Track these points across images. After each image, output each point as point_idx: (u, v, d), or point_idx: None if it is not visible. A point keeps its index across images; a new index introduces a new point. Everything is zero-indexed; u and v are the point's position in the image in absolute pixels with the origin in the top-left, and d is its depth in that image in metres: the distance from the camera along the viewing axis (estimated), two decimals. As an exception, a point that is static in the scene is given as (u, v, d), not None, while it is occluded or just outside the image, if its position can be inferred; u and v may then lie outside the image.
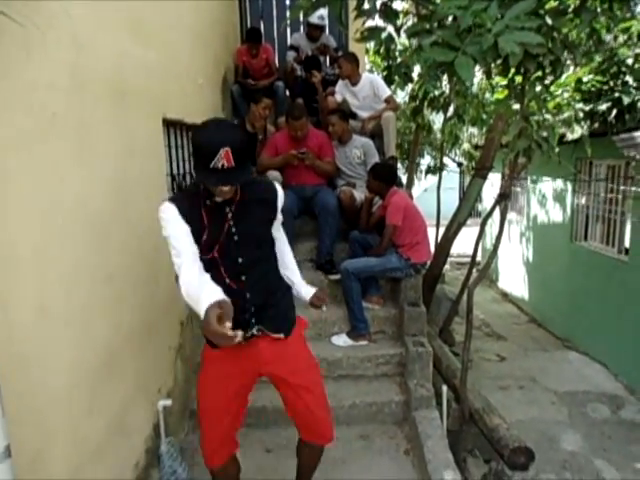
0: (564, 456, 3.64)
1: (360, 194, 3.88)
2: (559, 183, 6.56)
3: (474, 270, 5.35)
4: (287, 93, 5.08)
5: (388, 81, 4.98)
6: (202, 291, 1.49)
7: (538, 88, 2.73)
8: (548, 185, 6.95)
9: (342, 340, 3.41)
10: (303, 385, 1.91)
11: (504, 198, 3.30)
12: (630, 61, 4.64)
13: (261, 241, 1.81)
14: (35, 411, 1.50)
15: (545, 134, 2.73)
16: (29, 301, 1.49)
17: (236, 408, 1.94)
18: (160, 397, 2.53)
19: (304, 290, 2.03)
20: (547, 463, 3.49)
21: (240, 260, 1.74)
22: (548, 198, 7.00)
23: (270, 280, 1.87)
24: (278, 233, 1.92)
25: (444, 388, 3.11)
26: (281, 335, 1.87)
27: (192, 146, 1.59)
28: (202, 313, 1.41)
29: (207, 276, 1.63)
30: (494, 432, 3.09)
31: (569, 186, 6.28)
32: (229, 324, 1.34)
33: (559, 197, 6.63)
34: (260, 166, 3.99)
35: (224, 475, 2.04)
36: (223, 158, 1.48)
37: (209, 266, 1.70)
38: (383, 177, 3.56)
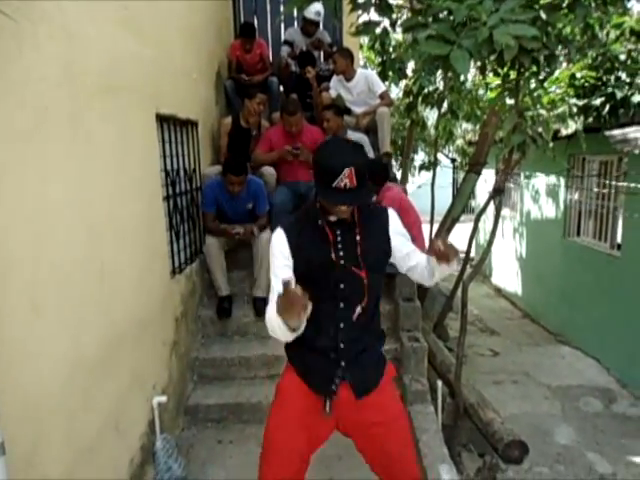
0: (557, 449, 3.67)
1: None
2: (552, 179, 6.59)
3: (468, 266, 5.37)
4: (281, 88, 5.05)
5: (382, 76, 4.97)
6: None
7: (533, 84, 2.73)
8: (541, 181, 6.98)
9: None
10: (400, 427, 1.71)
11: (498, 193, 3.30)
12: (623, 57, 4.66)
13: (381, 270, 1.68)
14: (30, 408, 1.48)
15: (540, 129, 2.73)
16: (22, 299, 1.47)
17: (309, 455, 1.70)
18: (155, 394, 2.52)
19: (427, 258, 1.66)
20: (540, 456, 3.51)
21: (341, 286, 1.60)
22: (541, 194, 7.03)
23: (374, 320, 1.71)
24: (404, 247, 1.69)
25: (439, 383, 3.11)
26: (366, 396, 1.65)
27: (315, 164, 1.53)
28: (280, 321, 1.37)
29: None
30: (489, 426, 3.11)
31: (562, 182, 6.31)
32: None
33: (552, 193, 6.66)
34: (254, 161, 3.97)
35: None
36: (347, 178, 1.45)
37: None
38: (372, 178, 3.55)
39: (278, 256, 1.60)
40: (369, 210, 1.69)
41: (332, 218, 1.59)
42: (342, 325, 1.61)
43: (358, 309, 1.61)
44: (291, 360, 1.74)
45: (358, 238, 1.60)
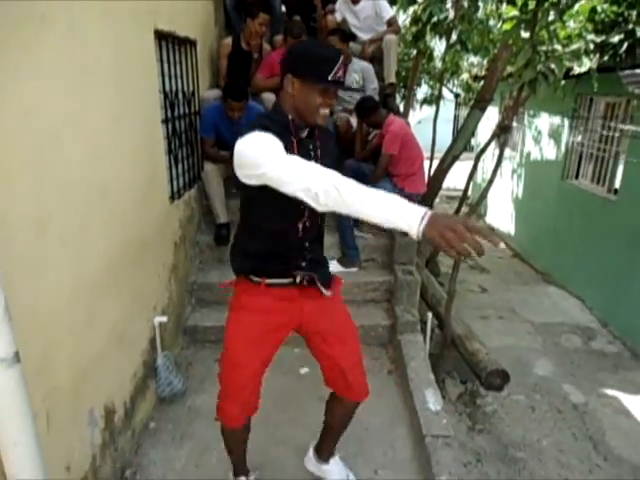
0: (535, 380, 3.89)
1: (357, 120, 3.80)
2: (556, 119, 6.47)
3: (464, 205, 5.39)
4: (284, 9, 4.78)
5: (391, 1, 4.72)
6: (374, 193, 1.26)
7: (551, 16, 2.61)
8: (545, 121, 6.85)
9: (332, 266, 3.44)
10: (341, 337, 1.77)
11: (504, 131, 3.25)
12: (650, -10, 4.41)
13: None
14: (38, 321, 1.54)
15: (552, 66, 2.65)
16: (27, 216, 1.48)
17: (267, 364, 1.77)
18: (156, 314, 2.61)
19: None
20: (519, 386, 3.73)
21: None
22: (543, 134, 6.92)
23: (322, 233, 1.77)
24: None
25: (429, 315, 3.23)
26: (329, 292, 1.72)
27: (306, 56, 1.45)
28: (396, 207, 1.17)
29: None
30: (473, 356, 3.27)
31: (566, 123, 6.20)
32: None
33: (554, 134, 6.56)
34: (255, 87, 3.84)
35: (239, 438, 1.90)
36: (341, 68, 1.44)
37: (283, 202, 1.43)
38: (367, 111, 3.48)
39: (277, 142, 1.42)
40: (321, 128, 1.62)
41: (303, 134, 1.56)
42: (307, 243, 1.66)
43: (300, 228, 1.61)
44: (249, 270, 1.68)
45: (318, 153, 1.60)
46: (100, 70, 1.93)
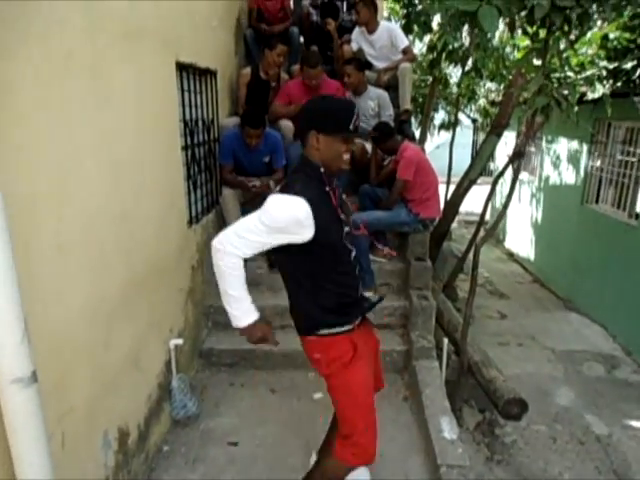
0: (556, 410, 3.78)
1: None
2: (574, 144, 6.44)
3: (482, 228, 5.35)
4: (302, 40, 4.93)
5: (407, 30, 4.82)
6: (244, 289, 1.66)
7: (562, 44, 2.64)
8: (563, 146, 6.82)
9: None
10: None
11: (518, 157, 3.26)
12: (662, 17, 4.43)
13: None
14: (57, 343, 1.58)
15: (566, 92, 2.66)
16: (48, 239, 1.54)
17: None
18: (172, 336, 2.64)
19: None
20: (539, 415, 3.63)
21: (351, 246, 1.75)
22: (562, 159, 6.88)
23: None
24: None
25: (445, 340, 3.20)
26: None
27: (326, 112, 1.61)
28: (248, 318, 1.66)
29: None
30: (490, 384, 3.21)
31: (584, 147, 6.16)
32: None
33: (573, 159, 6.52)
34: (272, 114, 3.94)
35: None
36: (357, 117, 1.59)
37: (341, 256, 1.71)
38: (382, 137, 3.52)
39: (290, 228, 1.52)
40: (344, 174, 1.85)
41: (333, 183, 1.68)
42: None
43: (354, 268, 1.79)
44: (331, 322, 1.72)
45: (344, 197, 1.78)
46: (122, 102, 2.02)
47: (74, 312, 1.69)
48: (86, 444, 1.78)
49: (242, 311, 1.65)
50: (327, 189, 1.64)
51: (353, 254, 1.73)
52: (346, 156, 1.63)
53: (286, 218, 1.51)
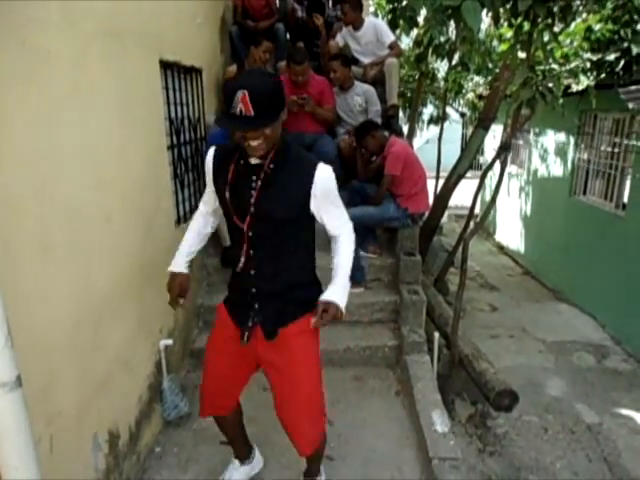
0: (547, 400, 3.82)
1: (360, 143, 3.84)
2: (562, 136, 6.48)
3: (472, 222, 5.38)
4: (288, 36, 4.90)
5: (393, 25, 4.81)
6: (182, 243, 1.81)
7: (546, 36, 2.65)
8: (550, 138, 6.86)
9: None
10: (293, 378, 1.71)
11: (504, 150, 3.28)
12: (644, 7, 4.46)
13: (281, 221, 1.59)
14: (43, 345, 1.57)
15: (550, 84, 2.68)
16: (30, 240, 1.52)
17: (240, 372, 1.86)
18: (161, 337, 2.62)
19: (333, 287, 1.67)
20: (531, 406, 3.66)
21: (250, 234, 1.61)
22: (550, 152, 6.93)
23: (289, 268, 1.66)
24: (327, 216, 1.66)
25: (436, 334, 3.21)
26: (273, 338, 1.69)
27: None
28: (170, 267, 1.82)
29: (195, 232, 1.86)
30: (481, 376, 3.23)
31: (571, 139, 6.21)
32: (182, 300, 1.71)
33: (561, 151, 6.57)
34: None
35: (222, 421, 2.04)
36: (240, 102, 1.35)
37: (231, 229, 1.69)
38: (361, 135, 3.52)
39: (207, 176, 1.70)
40: (295, 159, 1.59)
41: (252, 160, 1.54)
42: (252, 272, 1.65)
43: (242, 259, 1.64)
44: (228, 287, 1.84)
45: (258, 184, 1.55)
46: (105, 101, 2.00)
47: (60, 314, 1.67)
48: (75, 447, 1.76)
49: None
50: (240, 162, 1.58)
51: (250, 252, 1.62)
52: (250, 143, 1.45)
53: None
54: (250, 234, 1.60)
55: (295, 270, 1.69)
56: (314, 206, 1.60)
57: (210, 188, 1.73)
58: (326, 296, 1.63)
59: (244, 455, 2.20)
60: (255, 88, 1.36)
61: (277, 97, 1.43)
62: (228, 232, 1.73)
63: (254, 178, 1.57)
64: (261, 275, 1.65)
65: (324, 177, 1.57)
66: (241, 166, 1.58)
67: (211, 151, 1.68)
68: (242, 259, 1.64)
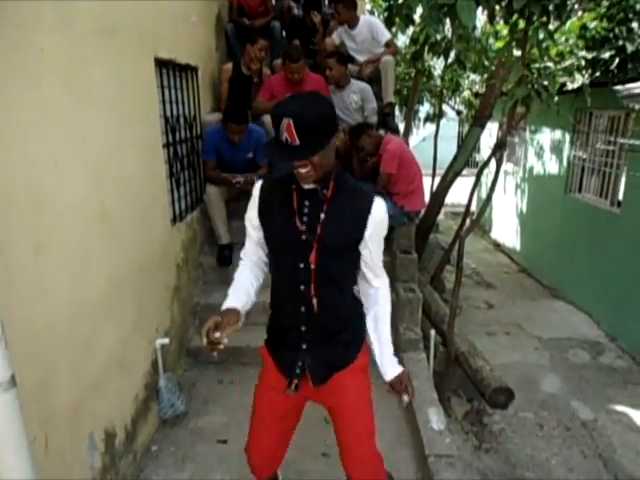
0: (543, 397, 3.84)
1: (356, 141, 3.84)
2: (557, 134, 6.50)
3: (468, 220, 5.40)
4: (284, 34, 4.89)
5: (389, 23, 4.80)
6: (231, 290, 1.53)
7: (541, 34, 2.65)
8: (546, 136, 6.88)
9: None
10: (347, 414, 1.62)
11: (500, 148, 3.28)
12: (639, 7, 4.48)
13: (342, 250, 1.46)
14: (37, 344, 1.56)
15: (545, 82, 2.68)
16: (24, 239, 1.52)
17: (287, 426, 1.70)
18: (158, 336, 2.62)
19: (388, 361, 1.59)
20: (526, 403, 3.68)
21: (312, 266, 1.44)
22: (545, 150, 6.95)
23: (344, 301, 1.56)
24: (371, 255, 1.51)
25: (432, 332, 3.22)
26: (325, 384, 1.56)
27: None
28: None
29: (244, 275, 1.59)
30: (477, 373, 3.24)
31: (567, 137, 6.22)
32: (218, 334, 1.30)
33: (556, 149, 6.58)
34: (255, 110, 3.91)
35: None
36: (285, 131, 1.26)
37: (281, 266, 1.53)
38: (357, 137, 3.51)
39: (249, 211, 1.52)
40: (352, 188, 1.47)
41: (306, 186, 1.41)
42: (303, 309, 1.49)
43: (315, 299, 1.47)
44: (268, 330, 1.68)
45: (322, 215, 1.42)
46: (100, 99, 1.99)
47: (55, 313, 1.67)
48: (71, 446, 1.76)
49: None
50: (293, 187, 1.44)
51: (301, 287, 1.46)
52: (300, 171, 1.35)
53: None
54: (312, 266, 1.44)
55: (348, 306, 1.59)
56: (365, 238, 1.46)
57: (253, 228, 1.54)
58: (392, 373, 1.59)
59: None
60: (301, 116, 1.26)
61: (326, 123, 1.32)
62: (275, 271, 1.55)
63: (316, 207, 1.44)
64: (314, 311, 1.49)
65: (381, 210, 1.46)
66: (298, 195, 1.45)
67: (258, 183, 1.52)
68: (314, 300, 1.47)
